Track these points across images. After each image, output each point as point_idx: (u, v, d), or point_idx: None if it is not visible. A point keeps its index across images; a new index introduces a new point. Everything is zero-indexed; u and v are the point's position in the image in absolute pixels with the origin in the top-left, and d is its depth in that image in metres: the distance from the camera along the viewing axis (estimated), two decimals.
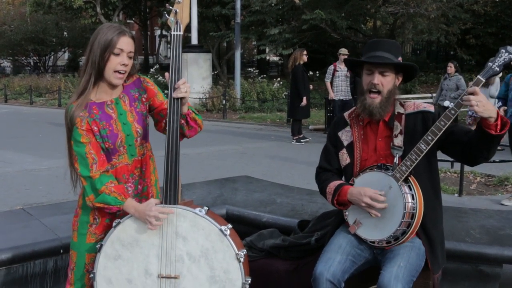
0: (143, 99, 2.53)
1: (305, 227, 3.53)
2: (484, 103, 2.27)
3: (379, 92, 2.63)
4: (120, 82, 2.44)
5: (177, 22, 2.42)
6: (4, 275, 3.07)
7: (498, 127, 2.33)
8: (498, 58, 2.35)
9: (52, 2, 28.41)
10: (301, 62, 10.94)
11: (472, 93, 2.29)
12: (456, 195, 6.79)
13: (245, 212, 3.85)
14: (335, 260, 2.58)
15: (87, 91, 2.40)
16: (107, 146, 2.42)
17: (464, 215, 3.73)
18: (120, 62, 2.38)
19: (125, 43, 2.39)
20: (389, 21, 22.02)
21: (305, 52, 11.10)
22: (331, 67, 11.57)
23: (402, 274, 2.46)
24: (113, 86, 2.45)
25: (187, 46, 19.66)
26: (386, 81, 2.64)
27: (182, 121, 2.44)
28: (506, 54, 2.34)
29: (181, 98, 2.39)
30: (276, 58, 37.55)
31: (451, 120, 2.40)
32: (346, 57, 10.80)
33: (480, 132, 2.37)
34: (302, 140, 11.43)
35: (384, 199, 2.53)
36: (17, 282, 3.15)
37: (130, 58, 2.42)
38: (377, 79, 2.62)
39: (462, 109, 2.44)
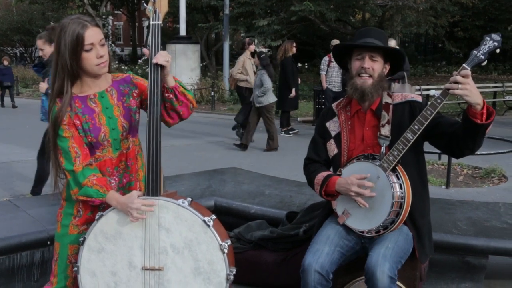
0: (134, 94, 2.49)
1: (293, 218, 3.54)
2: (472, 86, 2.26)
3: (370, 76, 2.64)
4: (106, 70, 2.40)
5: (155, 11, 2.36)
6: None
7: (484, 116, 2.32)
8: (483, 46, 2.34)
9: None
10: (291, 54, 10.92)
11: (456, 82, 2.28)
12: (443, 187, 6.83)
13: (234, 203, 3.85)
14: (323, 251, 2.59)
15: (66, 94, 2.32)
16: (90, 140, 2.38)
17: (451, 207, 3.76)
18: (96, 55, 2.31)
19: (93, 36, 2.29)
20: (378, 13, 22.04)
21: (294, 44, 11.08)
22: (326, 58, 11.50)
23: (390, 254, 2.47)
24: (97, 78, 2.41)
25: (175, 37, 19.53)
26: (376, 66, 2.65)
27: (171, 96, 2.38)
28: (491, 42, 2.33)
29: (162, 68, 2.32)
30: (264, 50, 37.49)
31: (437, 109, 2.40)
32: None
33: (466, 121, 2.36)
34: (290, 132, 11.43)
35: (371, 185, 2.54)
36: (3, 274, 3.13)
37: (102, 45, 2.34)
38: (368, 63, 2.63)
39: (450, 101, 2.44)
